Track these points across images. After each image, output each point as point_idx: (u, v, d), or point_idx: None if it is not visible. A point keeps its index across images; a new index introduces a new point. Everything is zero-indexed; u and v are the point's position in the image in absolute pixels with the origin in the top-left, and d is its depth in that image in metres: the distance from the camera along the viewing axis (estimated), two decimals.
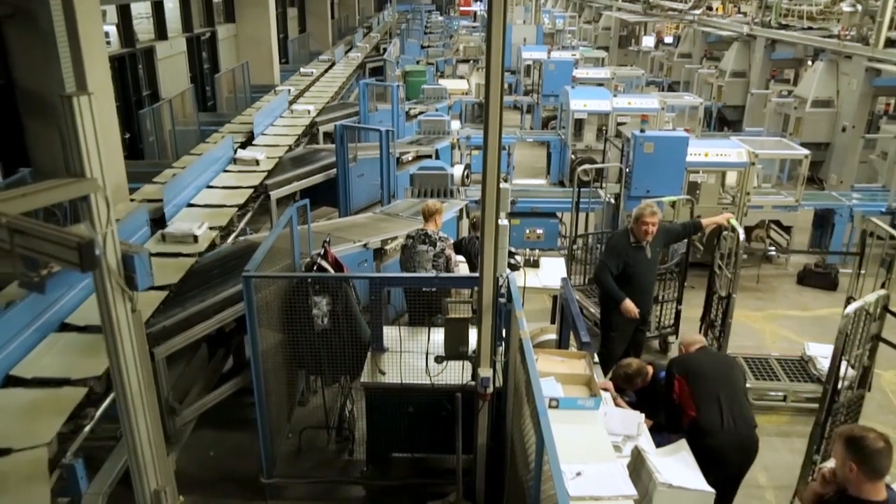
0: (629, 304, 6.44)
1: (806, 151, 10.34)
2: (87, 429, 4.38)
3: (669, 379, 5.17)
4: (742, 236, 6.76)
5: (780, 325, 7.20)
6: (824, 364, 6.57)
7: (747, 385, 6.93)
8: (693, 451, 4.55)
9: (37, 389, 4.51)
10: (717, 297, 7.25)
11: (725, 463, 4.80)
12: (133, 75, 12.91)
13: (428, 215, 6.69)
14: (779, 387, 7.09)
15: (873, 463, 3.25)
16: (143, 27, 14.71)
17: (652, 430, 4.84)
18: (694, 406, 4.91)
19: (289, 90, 15.25)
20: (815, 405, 6.85)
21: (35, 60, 7.80)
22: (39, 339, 5.03)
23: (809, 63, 16.60)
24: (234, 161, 10.06)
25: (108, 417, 4.55)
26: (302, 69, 18.54)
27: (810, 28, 16.71)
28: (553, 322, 6.81)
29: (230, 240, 7.69)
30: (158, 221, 7.51)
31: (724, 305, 6.98)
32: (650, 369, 5.54)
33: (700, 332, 7.53)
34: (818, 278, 9.90)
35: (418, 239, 6.53)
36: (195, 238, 7.09)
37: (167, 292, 5.90)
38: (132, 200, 8.15)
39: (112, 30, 12.56)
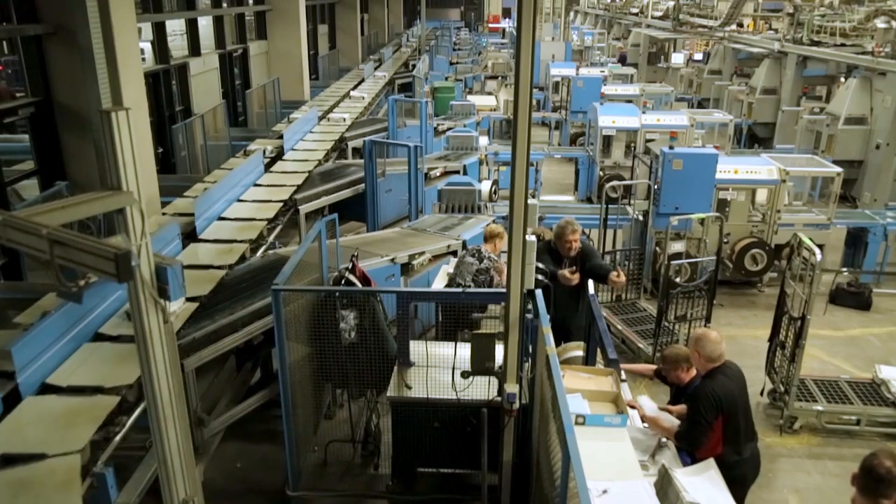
0: (565, 273, 6.21)
1: (838, 169, 10.20)
2: (117, 438, 4.44)
3: (709, 414, 4.64)
4: (819, 256, 6.63)
5: (810, 345, 7.10)
6: None
7: (819, 408, 6.89)
8: None
9: (71, 397, 4.61)
10: (789, 318, 7.03)
11: (745, 486, 4.85)
12: (167, 91, 13.15)
13: (490, 237, 6.83)
14: (852, 410, 6.93)
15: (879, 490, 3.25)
16: (178, 44, 15.00)
17: (680, 449, 4.78)
18: (720, 444, 4.72)
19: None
20: (893, 429, 6.82)
21: (73, 77, 7.99)
22: (74, 349, 5.12)
23: (842, 80, 16.42)
24: (328, 119, 13.02)
25: (138, 427, 4.61)
26: (330, 87, 18.69)
27: (843, 45, 16.53)
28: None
29: (259, 253, 7.77)
30: (190, 235, 7.62)
31: (798, 327, 6.78)
32: (693, 372, 5.12)
33: (768, 354, 7.37)
34: (851, 298, 9.74)
35: (470, 252, 6.58)
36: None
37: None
38: (164, 214, 8.30)
39: (147, 46, 12.81)
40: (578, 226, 6.61)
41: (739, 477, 4.71)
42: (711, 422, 4.61)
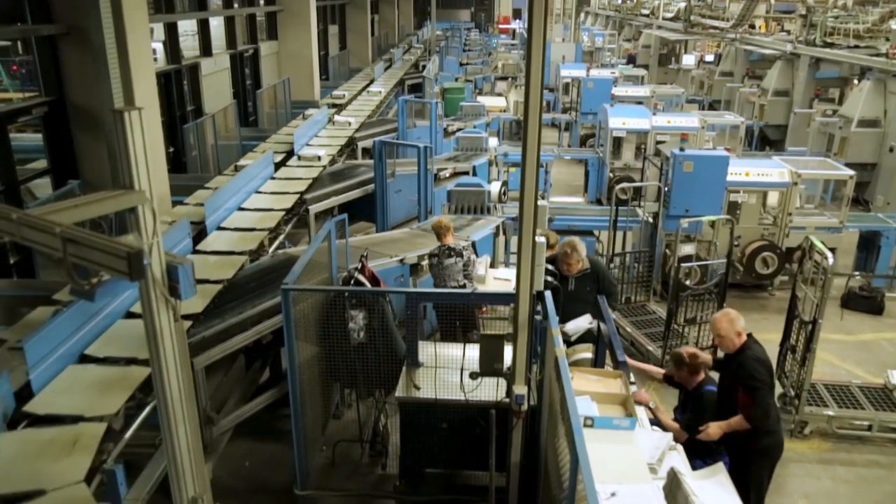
0: None
1: (851, 172, 10.15)
2: (127, 435, 4.47)
3: (768, 376, 4.88)
4: (831, 259, 6.61)
5: (821, 349, 7.05)
6: None
7: (830, 413, 6.90)
8: (749, 455, 4.59)
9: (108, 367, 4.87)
10: (799, 322, 7.02)
11: (779, 454, 5.07)
12: (178, 91, 13.20)
13: (446, 231, 6.82)
14: (864, 416, 6.90)
15: None
16: (189, 44, 15.05)
17: (690, 453, 4.75)
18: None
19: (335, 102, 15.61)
20: None
21: (86, 76, 8.04)
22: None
23: (855, 82, 16.31)
24: (333, 123, 13.33)
25: (148, 425, 4.63)
26: (335, 92, 18.54)
27: (857, 46, 16.43)
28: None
29: (269, 252, 7.79)
30: (199, 235, 7.65)
31: (809, 331, 6.76)
32: (701, 376, 5.26)
33: (779, 358, 7.34)
34: (863, 302, 9.68)
35: (443, 254, 6.59)
36: (319, 158, 10.94)
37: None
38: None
39: (159, 47, 12.87)
40: (580, 247, 6.40)
41: (774, 445, 4.97)
42: (772, 382, 4.82)
